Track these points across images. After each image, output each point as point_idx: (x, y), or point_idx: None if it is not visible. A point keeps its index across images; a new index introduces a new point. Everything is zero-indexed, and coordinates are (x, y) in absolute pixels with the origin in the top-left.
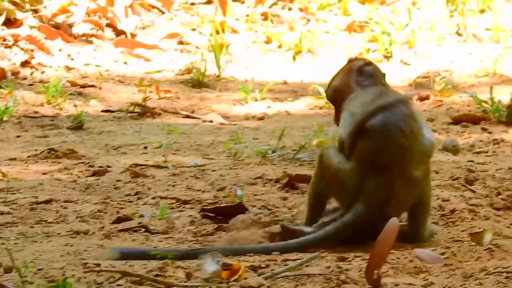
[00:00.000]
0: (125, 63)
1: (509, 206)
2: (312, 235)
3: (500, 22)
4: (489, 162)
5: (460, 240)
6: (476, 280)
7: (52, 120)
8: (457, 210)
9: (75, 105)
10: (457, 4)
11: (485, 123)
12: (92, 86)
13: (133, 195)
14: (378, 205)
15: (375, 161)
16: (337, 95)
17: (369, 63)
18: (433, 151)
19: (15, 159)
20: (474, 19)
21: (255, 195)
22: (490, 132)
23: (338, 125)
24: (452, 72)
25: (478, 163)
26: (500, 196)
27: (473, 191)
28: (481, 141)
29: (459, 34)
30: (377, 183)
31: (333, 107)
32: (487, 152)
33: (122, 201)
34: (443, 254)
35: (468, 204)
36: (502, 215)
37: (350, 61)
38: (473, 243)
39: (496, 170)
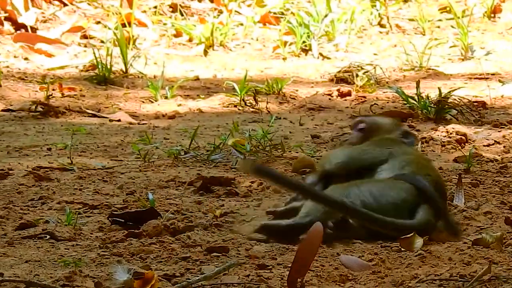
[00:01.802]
0: (26, 59)
1: None
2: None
3: (424, 13)
4: None
5: (389, 246)
6: None
7: None
8: None
9: None
10: None
11: (413, 120)
12: None
13: (37, 200)
14: None
15: None
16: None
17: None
18: None
19: None
20: (397, 9)
21: (168, 199)
22: (418, 130)
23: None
24: (375, 66)
25: None
26: None
27: None
28: None
29: (382, 26)
30: None
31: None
32: None
33: (25, 206)
34: (370, 261)
35: None
36: None
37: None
38: (402, 249)
39: None
